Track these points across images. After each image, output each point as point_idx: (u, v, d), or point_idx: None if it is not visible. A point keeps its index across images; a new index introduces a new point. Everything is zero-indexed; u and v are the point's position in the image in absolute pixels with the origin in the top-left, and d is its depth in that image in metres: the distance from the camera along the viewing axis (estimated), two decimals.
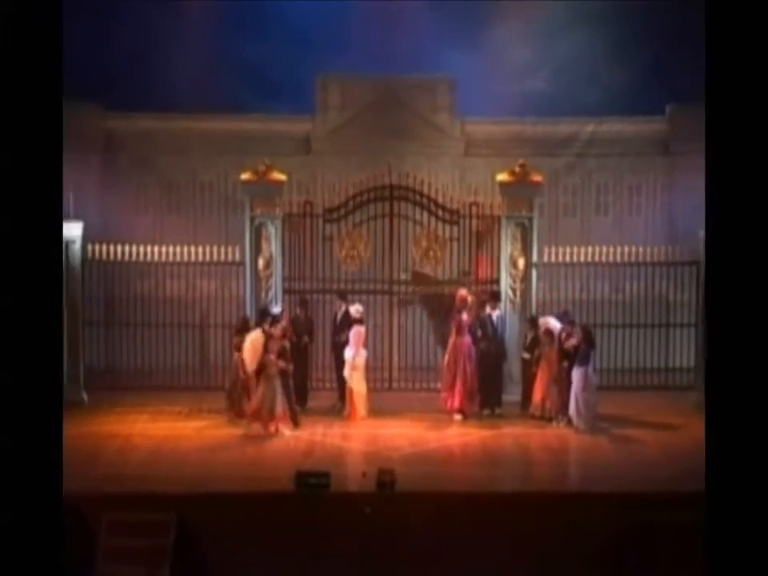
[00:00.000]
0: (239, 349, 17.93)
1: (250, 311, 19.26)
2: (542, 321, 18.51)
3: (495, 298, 19.17)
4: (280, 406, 17.23)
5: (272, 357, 17.29)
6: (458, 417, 18.28)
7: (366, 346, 18.58)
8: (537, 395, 18.27)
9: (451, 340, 18.48)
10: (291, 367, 17.56)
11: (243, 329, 18.22)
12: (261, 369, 17.32)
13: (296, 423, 17.48)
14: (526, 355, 18.63)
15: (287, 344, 17.71)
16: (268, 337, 17.44)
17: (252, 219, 19.64)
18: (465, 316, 18.45)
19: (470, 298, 18.78)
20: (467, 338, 18.39)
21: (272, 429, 17.13)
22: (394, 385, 19.67)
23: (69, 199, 19.36)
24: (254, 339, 17.52)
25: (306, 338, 18.91)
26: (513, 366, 19.18)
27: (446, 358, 18.50)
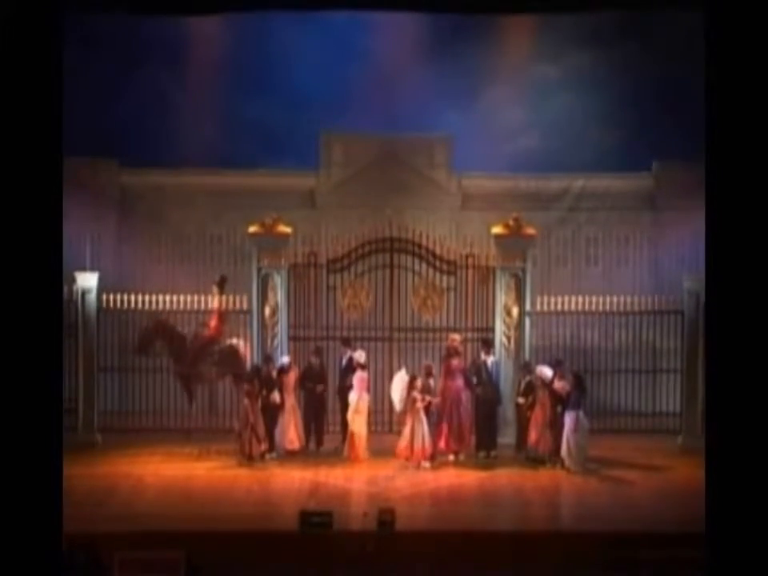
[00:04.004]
0: (249, 395, 18.01)
1: (256, 357, 19.29)
2: (538, 370, 18.51)
3: (489, 344, 19.20)
4: (427, 441, 17.70)
5: (418, 394, 17.64)
6: (451, 457, 18.26)
7: (368, 390, 18.64)
8: (532, 437, 18.26)
9: (440, 383, 18.52)
10: (435, 401, 18.03)
11: (252, 375, 18.31)
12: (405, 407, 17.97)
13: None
14: (521, 400, 18.61)
15: (432, 382, 18.13)
16: (414, 376, 17.97)
17: (259, 270, 19.72)
18: (455, 361, 18.51)
19: (460, 346, 18.84)
20: (458, 382, 18.42)
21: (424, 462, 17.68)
22: (394, 428, 19.61)
23: (86, 251, 19.50)
24: (399, 380, 18.10)
25: (320, 386, 19.04)
26: (507, 410, 19.15)
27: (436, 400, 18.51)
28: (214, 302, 19.52)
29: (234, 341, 19.43)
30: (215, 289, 19.63)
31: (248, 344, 19.44)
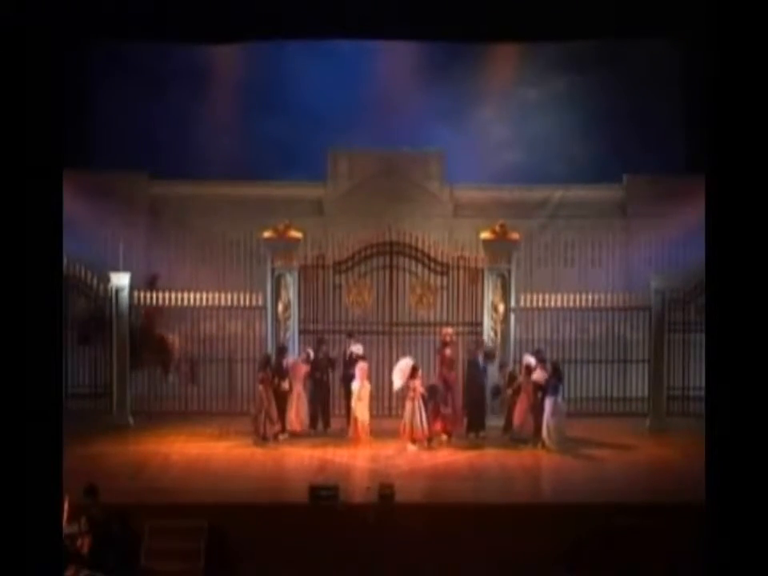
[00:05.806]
0: (262, 381, 18.08)
1: (270, 348, 19.36)
2: (524, 358, 18.52)
3: (479, 340, 19.27)
4: (424, 424, 17.68)
5: (416, 381, 17.69)
6: (444, 437, 18.28)
7: (369, 379, 18.66)
8: (517, 421, 18.26)
9: (436, 372, 18.55)
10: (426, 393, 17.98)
11: (265, 364, 18.38)
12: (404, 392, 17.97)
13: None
14: (508, 390, 18.64)
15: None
16: (415, 366, 17.94)
17: (273, 270, 19.77)
18: (449, 351, 18.56)
19: (453, 338, 18.86)
20: (451, 371, 18.49)
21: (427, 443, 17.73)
22: (393, 412, 19.63)
23: (119, 253, 19.60)
24: (403, 365, 18.00)
25: (326, 375, 19.12)
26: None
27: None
28: (145, 298, 19.67)
29: (163, 332, 19.64)
30: (147, 286, 19.81)
31: (176, 337, 19.81)
